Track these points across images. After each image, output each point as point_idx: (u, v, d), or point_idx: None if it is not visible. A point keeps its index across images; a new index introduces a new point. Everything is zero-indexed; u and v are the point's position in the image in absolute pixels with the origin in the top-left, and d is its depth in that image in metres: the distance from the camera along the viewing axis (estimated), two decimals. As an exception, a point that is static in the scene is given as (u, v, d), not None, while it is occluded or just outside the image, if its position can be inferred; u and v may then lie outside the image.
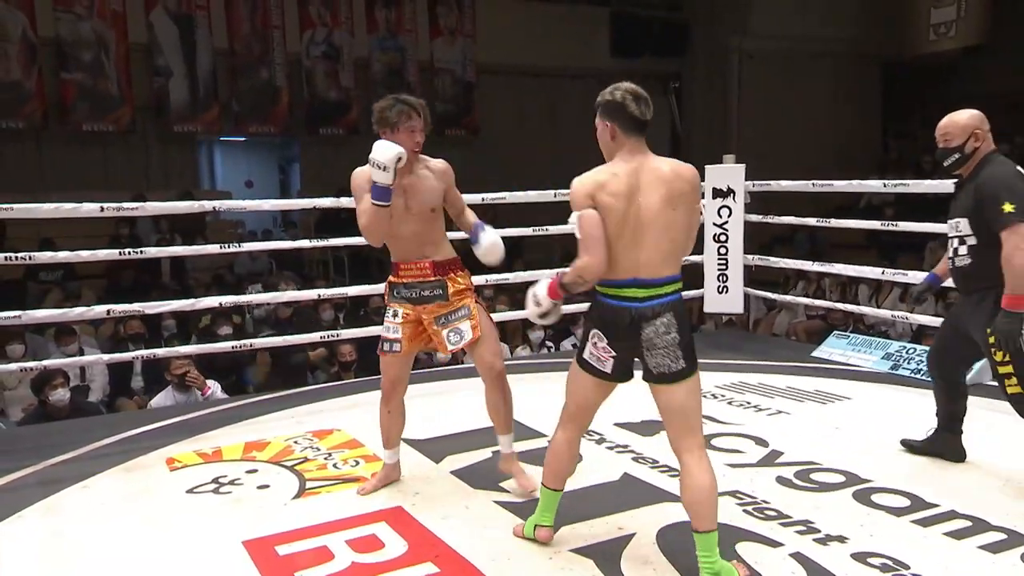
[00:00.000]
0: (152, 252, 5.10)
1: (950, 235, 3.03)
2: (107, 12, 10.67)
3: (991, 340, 2.84)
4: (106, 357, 4.98)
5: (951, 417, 3.28)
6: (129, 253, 4.65)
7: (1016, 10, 12.18)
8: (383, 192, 2.76)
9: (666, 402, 2.36)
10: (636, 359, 2.38)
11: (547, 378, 4.83)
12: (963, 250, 2.95)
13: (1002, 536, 2.61)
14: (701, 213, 3.00)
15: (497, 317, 6.05)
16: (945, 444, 3.29)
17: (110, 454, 3.62)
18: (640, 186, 2.31)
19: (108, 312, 4.31)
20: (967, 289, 3.04)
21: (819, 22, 13.42)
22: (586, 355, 2.43)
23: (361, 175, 2.92)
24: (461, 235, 3.14)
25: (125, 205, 4.47)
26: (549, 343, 6.97)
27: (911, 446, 3.38)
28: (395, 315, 2.96)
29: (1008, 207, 2.73)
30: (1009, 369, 2.84)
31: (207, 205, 4.99)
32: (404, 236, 2.91)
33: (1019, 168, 2.92)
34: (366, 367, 6.38)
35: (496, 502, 2.96)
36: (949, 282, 3.29)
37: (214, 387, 4.95)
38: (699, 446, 2.34)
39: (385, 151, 2.73)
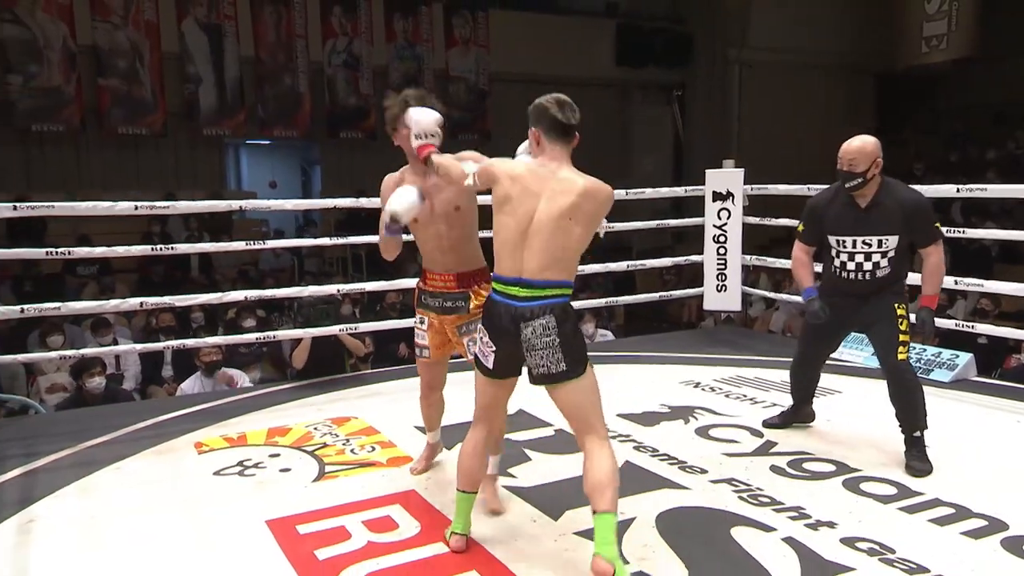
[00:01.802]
0: (182, 248, 5.14)
1: (861, 251, 3.14)
2: (141, 22, 10.74)
3: (919, 330, 3.19)
4: (139, 347, 5.02)
5: (811, 394, 3.58)
6: (160, 249, 4.70)
7: (1004, 25, 12.10)
8: (387, 229, 2.69)
9: (558, 402, 2.31)
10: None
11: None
12: (884, 262, 3.13)
13: (983, 523, 2.61)
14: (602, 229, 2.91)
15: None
16: (799, 412, 3.60)
17: (142, 438, 3.65)
18: (539, 192, 2.24)
19: (141, 304, 4.34)
20: (874, 291, 3.18)
21: (816, 35, 13.37)
22: (475, 350, 2.40)
23: (385, 183, 2.86)
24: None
25: (157, 204, 4.51)
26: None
27: (771, 425, 3.60)
28: (422, 322, 2.89)
29: (937, 225, 3.12)
30: (907, 338, 3.14)
31: (234, 204, 5.01)
32: (430, 238, 2.76)
33: None
34: (382, 358, 6.43)
35: (505, 487, 2.97)
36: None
37: (240, 378, 4.99)
38: (600, 437, 2.28)
39: (404, 208, 2.56)
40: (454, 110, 13.05)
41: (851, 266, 3.17)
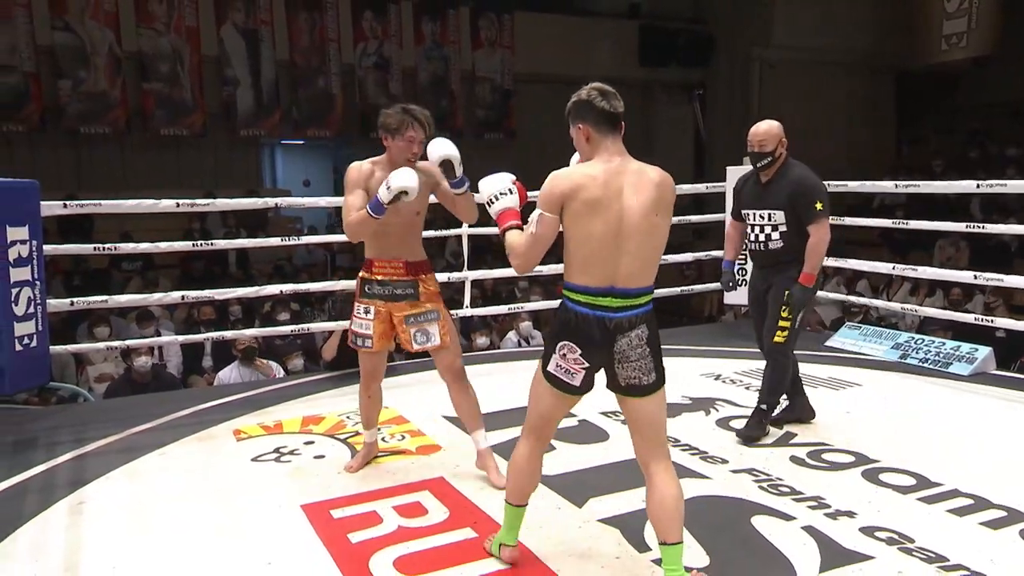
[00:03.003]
0: (221, 244, 5.21)
1: (759, 223, 3.36)
2: (183, 28, 10.89)
3: (786, 302, 3.28)
4: (180, 338, 5.11)
5: (792, 381, 3.51)
6: (201, 245, 4.76)
7: (1020, 22, 11.80)
8: (379, 208, 2.65)
9: (635, 415, 2.12)
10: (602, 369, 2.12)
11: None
12: (775, 235, 3.32)
13: (1002, 513, 2.57)
14: None
15: (532, 307, 6.10)
16: (797, 407, 3.54)
17: (184, 425, 3.70)
18: (621, 189, 2.02)
19: (182, 298, 4.41)
20: (772, 264, 3.37)
21: (836, 34, 13.15)
22: (552, 368, 2.12)
23: (353, 171, 2.81)
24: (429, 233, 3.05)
25: (198, 201, 4.57)
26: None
27: (777, 421, 3.49)
28: (367, 312, 2.88)
29: (819, 205, 3.23)
30: (787, 324, 3.30)
31: (270, 202, 5.07)
32: (386, 235, 2.81)
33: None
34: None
35: (530, 474, 2.97)
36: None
37: (277, 369, 5.04)
38: (665, 457, 2.12)
39: (399, 179, 2.60)
40: (479, 110, 13.09)
41: (752, 237, 3.42)
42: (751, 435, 3.28)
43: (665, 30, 13.73)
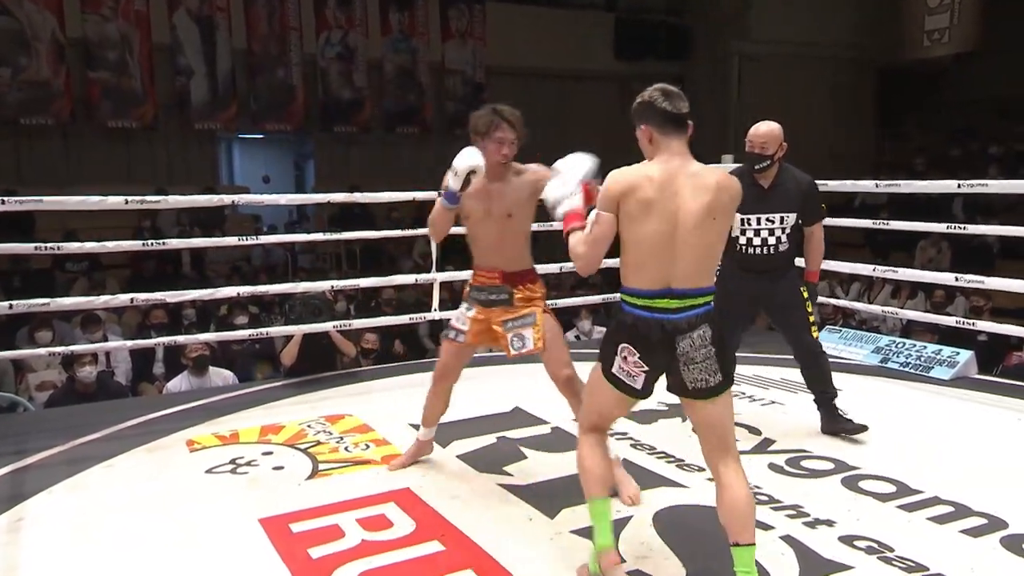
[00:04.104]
0: (174, 243, 5.13)
1: (763, 228, 3.40)
2: (131, 13, 10.71)
3: (809, 298, 3.46)
4: (129, 343, 5.03)
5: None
6: (151, 244, 4.69)
7: (1006, 18, 12.11)
8: (450, 195, 2.75)
9: (702, 418, 2.17)
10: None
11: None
12: (784, 238, 3.41)
13: (983, 521, 2.63)
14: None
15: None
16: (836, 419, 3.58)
17: (132, 436, 3.64)
18: (677, 191, 2.08)
19: (132, 300, 4.34)
20: (771, 269, 3.44)
21: (817, 28, 13.37)
22: (615, 370, 2.18)
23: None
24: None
25: (148, 198, 4.50)
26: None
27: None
28: (469, 309, 2.95)
29: (824, 206, 3.45)
30: (814, 319, 3.49)
31: (226, 199, 5.01)
32: (481, 239, 2.89)
33: None
34: (382, 357, 6.42)
35: (500, 485, 2.98)
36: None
37: (228, 375, 4.99)
38: (735, 459, 2.16)
39: (462, 159, 2.71)
40: (449, 104, 13.07)
41: (756, 242, 3.41)
42: (842, 428, 3.45)
43: (642, 22, 13.85)
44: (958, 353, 4.48)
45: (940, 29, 12.71)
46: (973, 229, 5.26)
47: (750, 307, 3.60)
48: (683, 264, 2.08)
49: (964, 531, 2.57)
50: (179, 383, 4.87)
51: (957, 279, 4.60)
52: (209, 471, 3.19)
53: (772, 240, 3.40)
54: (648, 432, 3.54)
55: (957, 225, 5.18)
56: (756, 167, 3.35)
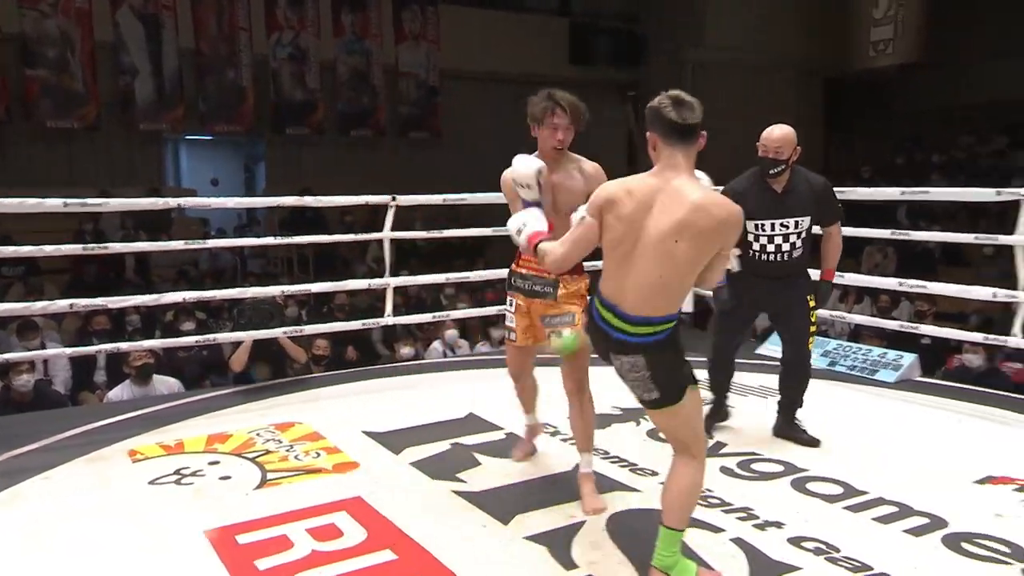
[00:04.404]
0: (116, 248, 5.00)
1: (779, 233, 3.34)
2: (72, 10, 10.43)
3: (818, 301, 3.44)
4: (68, 350, 4.88)
5: (727, 389, 3.69)
6: (93, 248, 4.56)
7: (949, 30, 12.57)
8: (537, 204, 2.61)
9: (655, 422, 2.32)
10: None
11: (506, 373, 4.84)
12: (799, 243, 3.36)
13: (925, 520, 2.70)
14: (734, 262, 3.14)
15: (458, 314, 6.10)
16: (718, 411, 3.68)
17: (72, 446, 3.54)
18: (652, 206, 2.03)
19: (71, 306, 4.22)
20: (786, 275, 3.40)
21: (768, 37, 13.68)
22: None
23: (507, 179, 2.78)
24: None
25: (88, 201, 4.38)
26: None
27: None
28: (511, 304, 2.95)
29: (840, 206, 3.42)
30: (814, 330, 3.43)
31: (171, 202, 4.89)
32: None
33: None
34: (334, 363, 6.35)
35: (453, 491, 2.97)
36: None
37: (174, 383, 4.87)
38: (690, 456, 2.23)
39: (524, 170, 2.58)
40: (403, 107, 13.02)
41: (771, 248, 3.36)
42: (801, 437, 3.48)
43: (596, 28, 13.99)
44: (902, 356, 4.62)
45: (885, 40, 13.12)
46: (916, 235, 5.44)
47: (751, 310, 3.57)
48: (632, 287, 2.05)
49: (907, 531, 2.64)
50: (121, 392, 4.73)
51: (901, 284, 4.74)
52: (152, 482, 3.11)
53: (786, 246, 3.34)
54: (603, 437, 3.55)
55: (901, 231, 5.34)
56: (771, 172, 3.30)
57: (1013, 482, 3.03)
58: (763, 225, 3.34)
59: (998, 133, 12.55)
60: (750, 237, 3.37)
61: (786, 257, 3.36)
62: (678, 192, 2.03)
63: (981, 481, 3.06)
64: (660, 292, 2.04)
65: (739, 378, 4.56)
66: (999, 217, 7.33)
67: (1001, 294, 4.09)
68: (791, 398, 3.55)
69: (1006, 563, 2.43)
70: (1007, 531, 2.61)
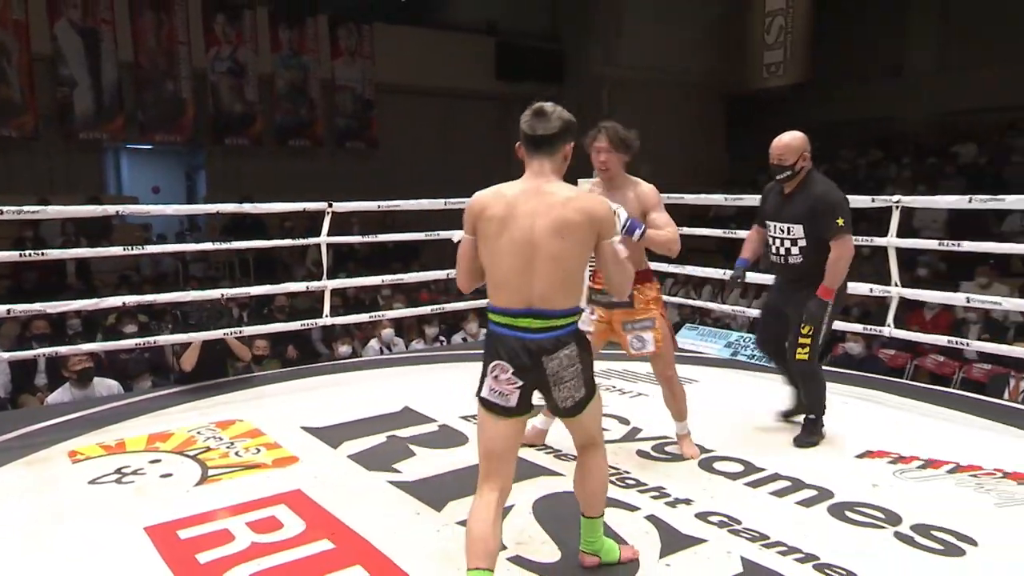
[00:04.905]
0: (54, 254, 4.71)
1: (779, 236, 3.28)
2: (9, 22, 9.87)
3: (804, 318, 3.21)
4: (6, 355, 4.58)
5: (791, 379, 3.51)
6: (31, 255, 4.31)
7: (831, 54, 13.15)
8: (636, 224, 2.64)
9: (570, 427, 2.20)
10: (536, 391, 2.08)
11: (440, 368, 4.82)
12: (795, 250, 3.23)
13: (814, 492, 2.80)
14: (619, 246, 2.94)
15: (393, 314, 6.02)
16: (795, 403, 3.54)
17: (10, 448, 3.33)
18: (532, 210, 1.98)
19: (8, 311, 3.97)
20: (794, 279, 3.31)
21: (675, 58, 14.03)
22: (484, 393, 2.04)
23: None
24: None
25: (25, 208, 4.13)
26: (442, 337, 6.95)
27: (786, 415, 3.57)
28: (592, 313, 3.04)
29: (840, 221, 3.10)
30: (807, 341, 3.22)
31: (110, 209, 4.67)
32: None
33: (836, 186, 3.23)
34: (271, 361, 6.18)
35: (389, 482, 2.93)
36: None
37: (114, 385, 4.64)
38: (597, 447, 2.21)
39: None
40: (340, 119, 12.80)
41: (774, 249, 3.33)
42: (806, 442, 3.30)
43: (521, 47, 14.06)
44: (795, 346, 4.77)
45: (776, 63, 13.62)
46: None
47: (774, 304, 3.48)
48: (540, 283, 1.98)
49: (799, 502, 2.73)
50: (60, 396, 4.47)
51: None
52: (93, 482, 2.96)
53: (783, 250, 3.26)
54: (530, 424, 3.56)
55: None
56: (777, 178, 3.23)
57: (888, 455, 3.17)
58: (772, 226, 3.31)
59: (874, 147, 13.18)
60: (768, 237, 3.36)
61: (784, 260, 3.27)
62: (552, 193, 2.01)
63: (861, 455, 3.19)
64: (564, 285, 2.01)
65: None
66: (876, 221, 7.69)
67: (877, 289, 4.28)
68: (807, 409, 3.39)
69: (881, 527, 2.54)
70: (882, 499, 2.73)
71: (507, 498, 2.10)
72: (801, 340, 3.22)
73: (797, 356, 3.26)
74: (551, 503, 2.72)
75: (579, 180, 2.60)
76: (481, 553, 1.97)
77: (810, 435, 3.33)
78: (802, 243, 3.20)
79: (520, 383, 2.02)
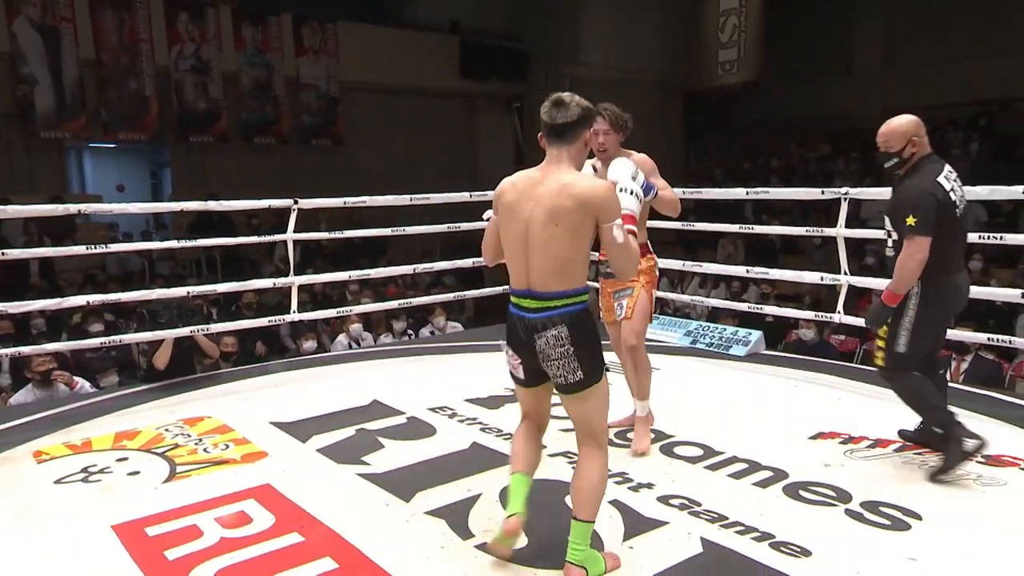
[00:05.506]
0: (15, 254, 4.56)
1: (886, 228, 2.92)
2: (-35, 19, 9.51)
3: (866, 321, 3.06)
4: (-31, 357, 4.44)
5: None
6: (-10, 255, 4.16)
7: (782, 53, 13.34)
8: (648, 188, 2.52)
9: (568, 410, 2.17)
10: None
11: (408, 362, 4.79)
12: (889, 243, 2.90)
13: (770, 474, 2.85)
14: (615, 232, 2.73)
15: (361, 309, 5.96)
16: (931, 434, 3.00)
17: (-27, 451, 3.23)
18: (532, 198, 2.04)
19: (-31, 313, 3.84)
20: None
21: (635, 56, 14.11)
22: (507, 365, 2.22)
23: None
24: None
25: (-15, 208, 4.00)
26: (410, 331, 6.90)
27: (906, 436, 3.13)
28: (597, 291, 3.15)
29: (911, 220, 2.70)
30: (882, 344, 2.89)
31: (72, 208, 4.53)
32: None
33: (937, 179, 2.75)
34: (243, 359, 6.08)
35: (358, 474, 2.90)
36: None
37: (82, 383, 4.52)
38: (597, 446, 2.16)
39: (620, 173, 2.34)
40: (305, 116, 12.62)
41: (889, 243, 2.93)
42: (946, 468, 2.75)
43: (484, 46, 14.00)
44: (751, 333, 4.86)
45: (730, 61, 13.78)
46: (759, 229, 5.75)
47: None
48: (535, 267, 2.05)
49: (755, 483, 2.77)
50: (24, 397, 4.33)
51: (748, 271, 4.98)
52: (58, 481, 2.88)
53: (888, 244, 2.90)
54: (496, 416, 3.57)
55: (747, 226, 5.61)
56: (884, 165, 2.87)
57: (838, 436, 3.24)
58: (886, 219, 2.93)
59: (823, 142, 13.44)
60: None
61: (889, 253, 2.90)
62: (553, 182, 2.05)
63: (814, 437, 3.25)
64: (559, 270, 2.03)
65: (615, 357, 4.70)
66: (826, 212, 7.85)
67: (827, 278, 4.37)
68: (929, 425, 2.96)
69: (833, 505, 2.59)
70: (834, 478, 2.79)
71: (543, 431, 2.33)
72: (878, 343, 2.93)
73: (877, 362, 2.94)
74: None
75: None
76: (519, 461, 2.23)
77: (947, 457, 2.75)
78: (895, 237, 2.84)
79: (520, 360, 2.14)
